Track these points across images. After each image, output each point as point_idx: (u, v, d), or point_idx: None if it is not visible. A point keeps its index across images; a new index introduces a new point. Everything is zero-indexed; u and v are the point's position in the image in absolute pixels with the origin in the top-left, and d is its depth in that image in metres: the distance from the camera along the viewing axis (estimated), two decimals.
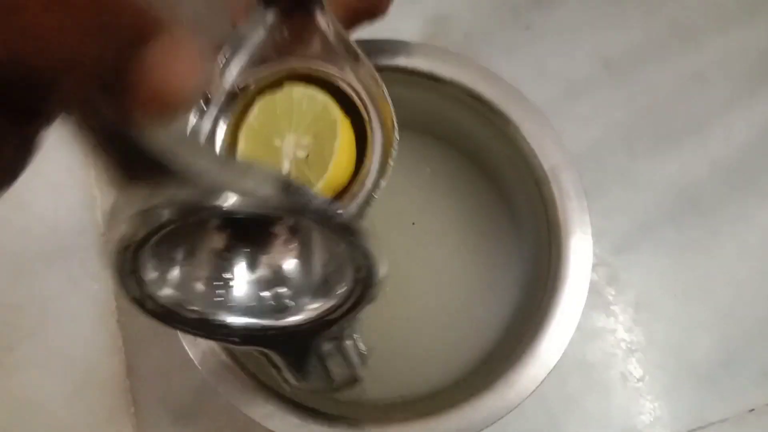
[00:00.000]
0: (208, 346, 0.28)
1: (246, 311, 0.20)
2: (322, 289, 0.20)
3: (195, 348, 0.28)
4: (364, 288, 0.19)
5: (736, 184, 0.39)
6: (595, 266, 0.38)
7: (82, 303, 0.37)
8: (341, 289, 0.20)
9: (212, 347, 0.28)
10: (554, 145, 0.30)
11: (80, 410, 0.35)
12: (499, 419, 0.27)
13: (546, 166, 0.30)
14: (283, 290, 0.21)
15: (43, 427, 0.35)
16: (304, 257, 0.21)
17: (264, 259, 0.20)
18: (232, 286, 0.20)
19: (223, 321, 0.20)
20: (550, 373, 0.28)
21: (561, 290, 0.29)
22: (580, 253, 0.29)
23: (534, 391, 0.28)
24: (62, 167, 0.38)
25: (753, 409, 0.36)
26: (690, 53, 0.41)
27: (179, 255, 0.19)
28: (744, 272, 0.38)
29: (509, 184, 0.34)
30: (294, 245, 0.20)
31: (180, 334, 0.28)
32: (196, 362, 0.28)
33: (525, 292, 0.33)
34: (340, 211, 0.17)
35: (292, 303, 0.20)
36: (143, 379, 0.36)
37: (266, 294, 0.20)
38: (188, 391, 0.35)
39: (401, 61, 0.29)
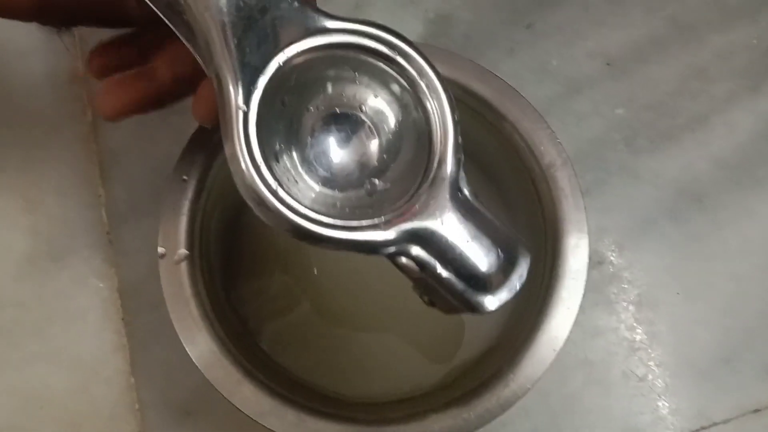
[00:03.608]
0: (207, 344, 0.28)
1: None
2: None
3: (193, 346, 0.28)
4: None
5: (738, 179, 0.39)
6: (596, 264, 0.38)
7: (88, 301, 0.37)
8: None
9: (211, 346, 0.28)
10: (550, 144, 0.30)
11: (86, 406, 0.36)
12: (496, 418, 0.27)
13: (542, 165, 0.30)
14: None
15: (48, 422, 0.36)
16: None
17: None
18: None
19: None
20: (546, 371, 0.28)
21: (557, 289, 0.29)
22: (577, 251, 0.29)
23: (530, 389, 0.28)
24: (69, 167, 0.39)
25: (758, 410, 0.36)
26: (691, 50, 0.41)
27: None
28: (746, 268, 0.38)
29: (506, 182, 0.34)
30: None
31: (180, 333, 0.28)
32: (194, 360, 0.28)
33: (522, 290, 0.33)
34: None
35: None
36: (147, 376, 0.36)
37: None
38: (192, 389, 0.36)
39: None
